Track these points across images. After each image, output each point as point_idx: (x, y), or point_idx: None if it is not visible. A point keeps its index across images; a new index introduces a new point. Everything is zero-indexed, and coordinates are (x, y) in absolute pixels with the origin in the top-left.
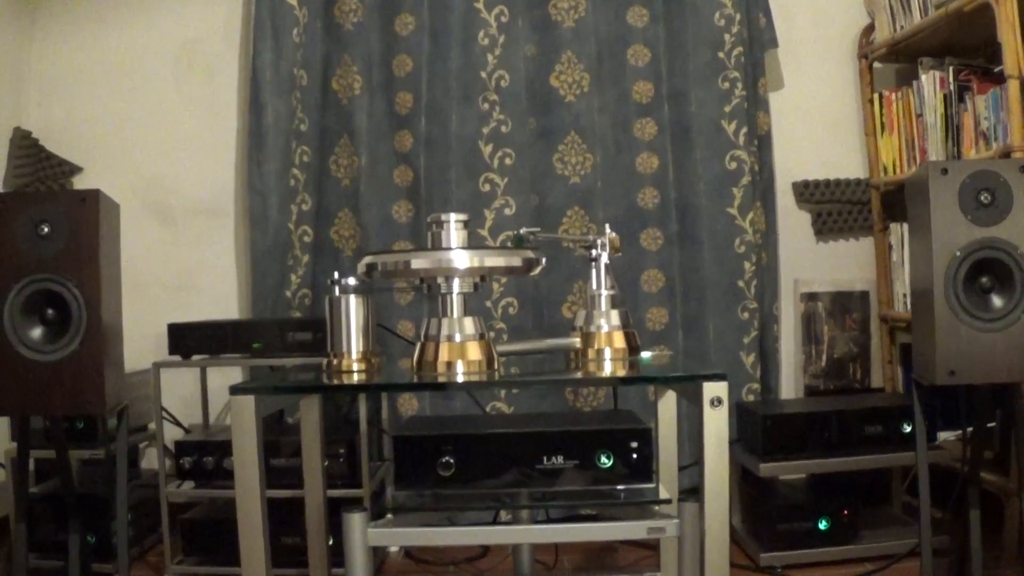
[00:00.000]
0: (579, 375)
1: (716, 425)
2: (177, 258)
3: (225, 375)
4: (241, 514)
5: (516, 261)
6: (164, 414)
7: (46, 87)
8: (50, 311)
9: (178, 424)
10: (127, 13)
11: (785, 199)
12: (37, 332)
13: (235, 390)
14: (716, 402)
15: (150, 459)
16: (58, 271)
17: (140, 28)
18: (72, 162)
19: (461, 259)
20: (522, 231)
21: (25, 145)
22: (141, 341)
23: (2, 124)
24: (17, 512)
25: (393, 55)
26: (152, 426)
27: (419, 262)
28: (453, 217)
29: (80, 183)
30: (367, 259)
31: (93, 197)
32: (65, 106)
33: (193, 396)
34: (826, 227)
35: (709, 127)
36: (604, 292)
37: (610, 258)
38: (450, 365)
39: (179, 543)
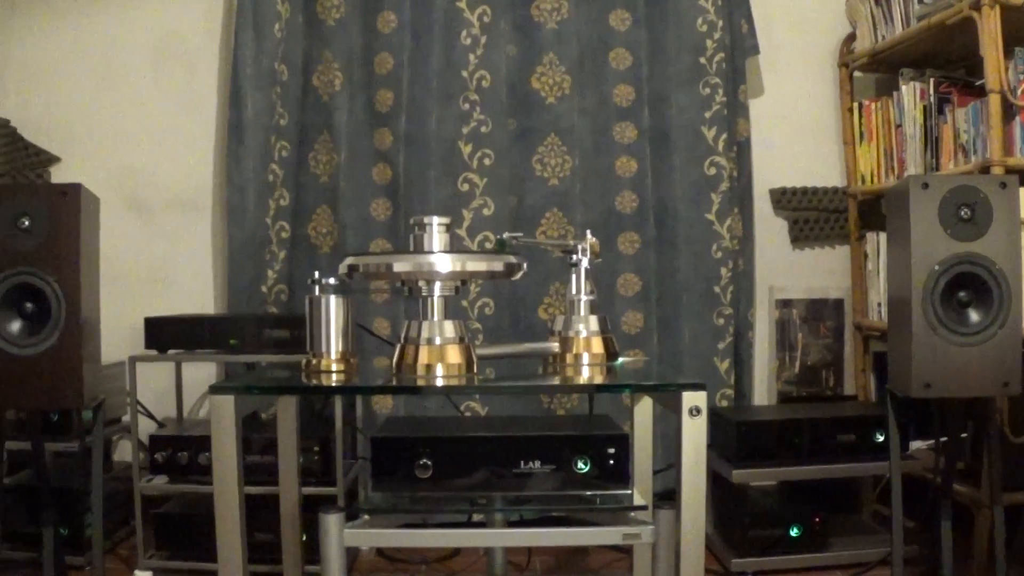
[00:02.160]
0: (557, 380)
1: (694, 434)
2: (153, 251)
3: (198, 368)
4: (219, 511)
5: (498, 266)
6: (139, 407)
7: (25, 75)
8: (29, 305)
9: (152, 418)
10: (108, 3)
11: (762, 205)
12: (15, 326)
13: (215, 390)
14: (695, 411)
15: (122, 451)
16: (38, 265)
17: (120, 18)
18: (49, 152)
19: (443, 263)
20: (504, 236)
21: (2, 133)
22: (115, 333)
23: None
24: None
25: (374, 53)
26: (126, 418)
27: (401, 265)
28: (436, 220)
29: (57, 173)
30: (349, 260)
31: (74, 191)
32: (44, 95)
33: (167, 389)
34: (802, 234)
35: (689, 132)
36: (583, 297)
37: (590, 263)
38: (429, 368)
39: (151, 537)
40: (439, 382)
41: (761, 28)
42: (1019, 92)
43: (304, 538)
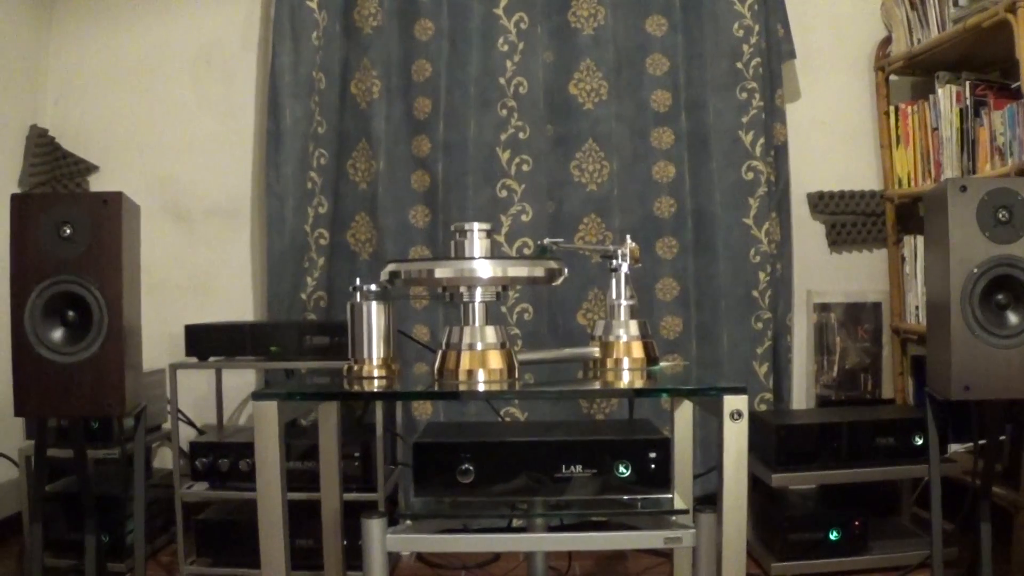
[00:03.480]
0: (598, 385)
1: (735, 438)
2: (192, 259)
3: (238, 375)
4: (262, 517)
5: (539, 272)
6: (179, 415)
7: (63, 85)
8: (71, 313)
9: (192, 425)
10: (145, 13)
11: (800, 210)
12: (58, 334)
13: (258, 396)
14: (736, 415)
15: (163, 459)
16: (80, 273)
17: (158, 28)
18: (88, 161)
19: (485, 269)
20: (545, 242)
21: (42, 143)
22: (156, 341)
23: (19, 122)
24: (33, 512)
25: (412, 60)
26: (166, 426)
27: (443, 271)
28: (476, 226)
29: (96, 182)
30: (390, 267)
31: (116, 200)
32: (82, 105)
33: (207, 396)
34: (840, 238)
35: (726, 137)
36: (623, 302)
37: (630, 268)
38: (471, 373)
39: (192, 544)
40: (481, 387)
41: (797, 32)
42: None
43: (345, 543)
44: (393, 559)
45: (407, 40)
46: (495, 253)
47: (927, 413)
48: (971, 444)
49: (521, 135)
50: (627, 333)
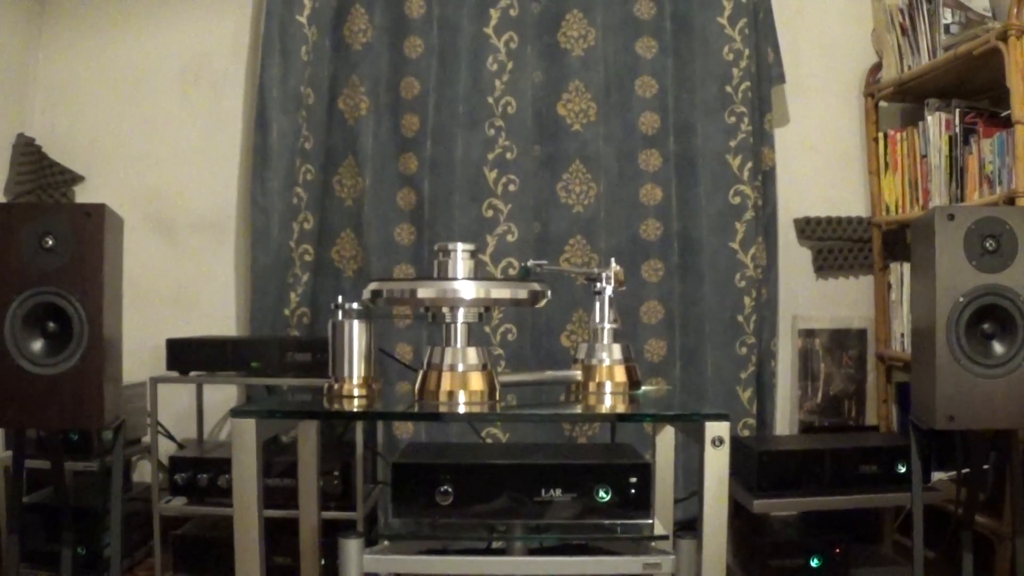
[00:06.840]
0: (579, 408)
1: (717, 464)
2: (176, 272)
3: (220, 390)
4: (238, 535)
5: (522, 293)
6: (159, 429)
7: (51, 95)
8: (51, 324)
9: (172, 439)
10: (135, 24)
11: (787, 235)
12: (38, 345)
13: (237, 413)
14: (717, 442)
15: (142, 472)
16: (61, 285)
17: (147, 40)
18: (74, 171)
19: (467, 290)
20: (529, 263)
21: (28, 152)
22: (137, 354)
23: (5, 130)
24: (10, 523)
25: (401, 77)
26: (146, 439)
27: (425, 291)
28: (460, 247)
29: (82, 192)
30: (373, 286)
31: (98, 212)
32: (69, 114)
33: (188, 411)
34: (826, 264)
35: (714, 161)
36: (607, 325)
37: (614, 291)
38: (452, 394)
39: (169, 558)
40: (461, 409)
41: (787, 57)
42: None
43: (323, 563)
44: None
45: (396, 57)
46: (479, 273)
47: (911, 441)
48: (954, 472)
49: (508, 155)
50: (610, 356)
